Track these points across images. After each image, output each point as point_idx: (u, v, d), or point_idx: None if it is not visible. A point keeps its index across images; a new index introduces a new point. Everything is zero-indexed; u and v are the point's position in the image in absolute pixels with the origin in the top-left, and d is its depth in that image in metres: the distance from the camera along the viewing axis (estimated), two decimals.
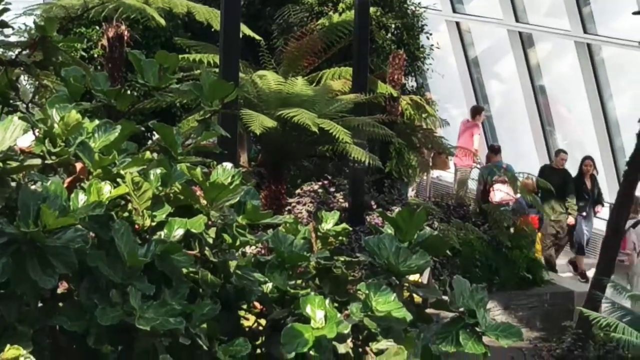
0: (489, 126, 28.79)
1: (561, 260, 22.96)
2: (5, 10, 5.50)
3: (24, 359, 4.15)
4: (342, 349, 4.85)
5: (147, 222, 4.81)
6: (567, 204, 21.84)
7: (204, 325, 4.67)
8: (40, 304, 4.62)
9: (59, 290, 4.73)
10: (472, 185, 23.56)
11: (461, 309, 5.16)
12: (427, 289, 5.52)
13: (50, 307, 4.62)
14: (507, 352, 13.53)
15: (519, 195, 21.11)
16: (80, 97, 5.38)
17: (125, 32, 18.09)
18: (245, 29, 17.90)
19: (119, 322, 4.36)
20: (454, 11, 28.66)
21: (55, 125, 4.84)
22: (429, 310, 5.45)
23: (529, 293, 18.61)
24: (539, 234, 20.97)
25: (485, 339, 5.10)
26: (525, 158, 26.45)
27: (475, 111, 26.09)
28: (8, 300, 4.42)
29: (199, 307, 4.67)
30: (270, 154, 18.80)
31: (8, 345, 4.15)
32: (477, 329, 5.10)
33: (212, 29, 18.47)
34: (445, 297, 5.32)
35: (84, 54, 19.93)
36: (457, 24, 29.04)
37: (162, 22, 18.35)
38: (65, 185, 4.70)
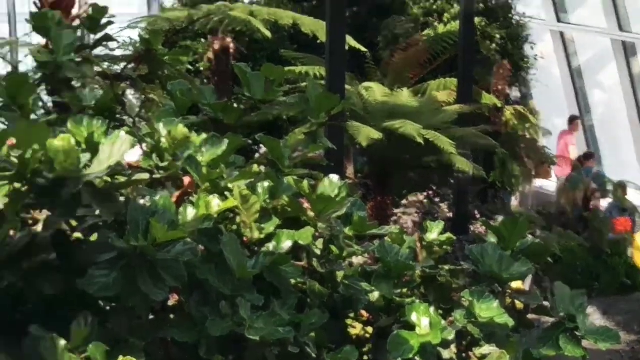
0: (591, 135, 28.36)
1: None
2: (110, 23, 5.58)
3: None
4: (446, 354, 4.93)
5: (256, 235, 4.84)
6: None
7: (313, 334, 4.71)
8: (151, 317, 4.68)
9: (170, 303, 4.78)
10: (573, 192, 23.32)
11: (561, 314, 5.18)
12: (529, 296, 5.54)
13: (162, 319, 4.67)
14: (605, 355, 13.40)
15: (611, 200, 20.82)
16: (187, 110, 5.43)
17: (231, 45, 18.25)
18: (350, 41, 17.91)
19: (229, 333, 4.40)
20: (559, 21, 28.28)
21: (163, 140, 4.89)
22: (530, 316, 5.51)
23: (628, 298, 18.32)
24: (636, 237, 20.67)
25: (584, 342, 5.15)
26: (628, 167, 25.98)
27: (571, 120, 25.88)
28: (120, 314, 4.48)
29: (307, 316, 4.70)
30: (376, 165, 18.83)
31: (121, 357, 4.21)
32: (577, 333, 5.13)
33: (318, 41, 18.51)
34: (546, 303, 5.35)
35: (190, 67, 20.15)
36: (561, 33, 28.67)
37: (268, 34, 18.44)
38: (173, 199, 4.75)
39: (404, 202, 19.45)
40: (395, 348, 4.78)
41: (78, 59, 5.38)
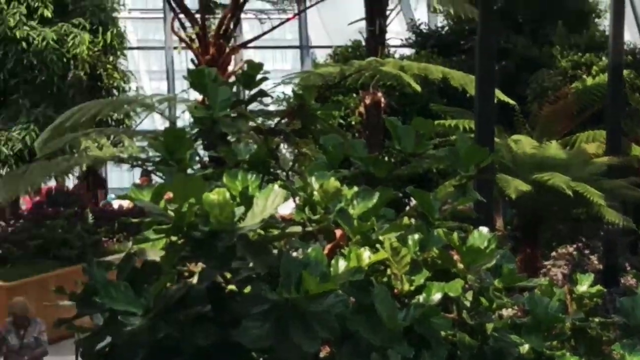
0: None
1: None
2: (264, 79, 5.69)
3: None
4: None
5: (406, 287, 4.85)
6: None
7: None
8: None
9: (322, 354, 4.81)
10: None
11: None
12: None
13: None
14: None
15: None
16: (339, 164, 5.50)
17: (382, 99, 18.39)
18: (499, 94, 17.85)
19: None
20: None
21: (315, 193, 4.96)
22: None
23: None
24: None
25: None
26: None
27: None
28: None
29: None
30: (525, 217, 18.66)
31: None
32: None
33: (467, 94, 18.49)
34: None
35: (341, 121, 20.37)
36: None
37: (418, 88, 18.51)
38: (325, 251, 4.80)
39: (553, 254, 19.22)
40: None
41: (233, 114, 5.50)
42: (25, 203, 22.16)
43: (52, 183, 21.62)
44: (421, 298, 4.79)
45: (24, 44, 20.40)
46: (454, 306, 4.98)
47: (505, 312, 7.76)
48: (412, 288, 4.85)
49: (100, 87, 21.07)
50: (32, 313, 11.59)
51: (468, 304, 5.00)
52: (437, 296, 4.80)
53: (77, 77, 20.34)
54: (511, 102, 19.34)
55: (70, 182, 23.29)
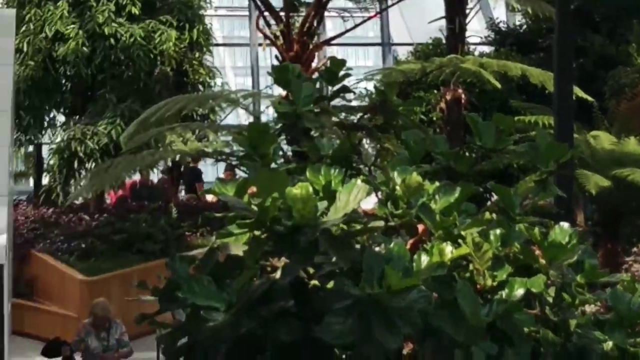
0: None
1: None
2: (347, 75, 5.71)
3: None
4: None
5: (489, 282, 4.83)
6: None
7: None
8: None
9: (404, 351, 4.81)
10: None
11: None
12: None
13: None
14: None
15: None
16: (420, 159, 5.50)
17: (463, 96, 18.35)
18: (578, 91, 17.70)
19: None
20: None
21: (397, 188, 4.97)
22: None
23: None
24: None
25: None
26: None
27: None
28: None
29: None
30: (605, 213, 18.49)
31: None
32: None
33: (546, 91, 18.37)
34: None
35: (423, 117, 20.37)
36: None
37: (498, 85, 18.44)
38: (408, 246, 4.80)
39: (634, 249, 18.99)
40: None
41: (316, 110, 5.53)
42: (109, 197, 22.43)
43: (137, 177, 21.87)
44: (504, 294, 4.77)
45: (112, 40, 20.66)
46: (537, 302, 4.95)
47: (588, 308, 7.68)
48: (495, 283, 4.83)
49: (186, 83, 21.24)
50: (113, 314, 11.29)
51: (550, 300, 4.97)
52: (519, 292, 4.77)
53: (163, 73, 20.52)
54: (589, 98, 19.18)
55: (155, 177, 23.52)
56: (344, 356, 4.65)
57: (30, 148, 23.22)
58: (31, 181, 25.32)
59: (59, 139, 20.50)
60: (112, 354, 10.70)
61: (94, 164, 19.16)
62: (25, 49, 20.52)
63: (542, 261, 4.97)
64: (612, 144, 18.05)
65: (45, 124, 21.58)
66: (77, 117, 21.11)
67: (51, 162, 20.34)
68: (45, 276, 17.67)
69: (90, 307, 11.08)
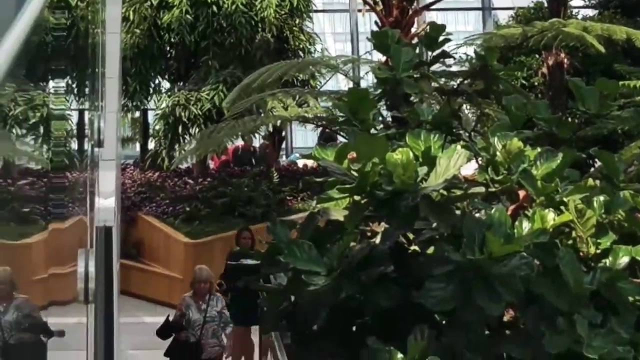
0: None
1: None
2: (447, 40, 5.67)
3: None
4: None
5: (592, 250, 4.76)
6: None
7: None
8: (486, 332, 4.68)
9: (505, 318, 4.77)
10: None
11: None
12: None
13: (497, 334, 4.67)
14: None
15: None
16: (522, 125, 5.43)
17: (565, 60, 18.05)
18: None
19: (566, 351, 4.34)
20: None
21: (498, 153, 4.91)
22: None
23: None
24: None
25: None
26: None
27: None
28: (456, 328, 4.51)
29: None
30: None
31: None
32: None
33: None
34: None
35: (524, 82, 20.09)
36: None
37: (602, 49, 18.09)
38: (509, 212, 4.75)
39: None
40: None
41: (416, 75, 5.49)
42: (212, 162, 22.66)
43: (239, 142, 22.04)
44: (607, 262, 4.70)
45: (214, 7, 20.80)
46: None
47: None
48: (598, 251, 4.75)
49: (286, 49, 21.32)
50: (214, 288, 11.03)
51: None
52: (624, 260, 4.69)
53: (264, 39, 20.60)
54: None
55: (257, 142, 23.70)
56: (443, 322, 4.63)
57: (137, 114, 23.55)
58: (137, 146, 25.69)
59: (163, 105, 20.75)
60: (212, 325, 10.46)
61: (197, 130, 19.34)
62: (131, 17, 20.79)
63: None
64: None
65: (151, 90, 21.87)
66: (181, 83, 21.37)
67: (156, 127, 20.63)
68: (151, 238, 18.00)
69: (193, 273, 10.97)
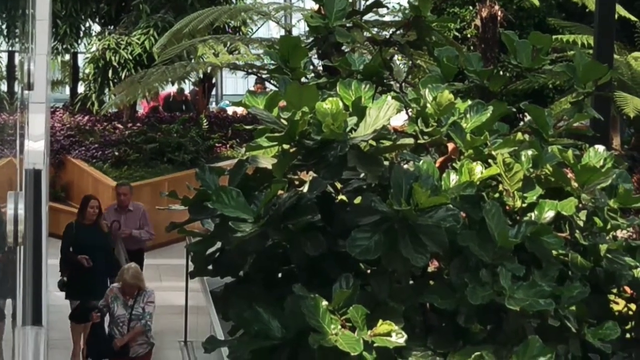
0: None
1: None
2: None
3: (395, 335, 4.26)
4: None
5: (518, 204, 4.79)
6: None
7: (573, 308, 4.62)
8: (410, 282, 4.72)
9: (429, 269, 4.81)
10: None
11: None
12: None
13: (421, 284, 4.71)
14: None
15: None
16: (453, 77, 5.43)
17: (499, 12, 18.09)
18: (620, 10, 17.38)
19: (488, 302, 4.39)
20: None
21: (428, 105, 4.91)
22: None
23: None
24: None
25: None
26: None
27: None
28: (380, 277, 4.55)
29: (568, 289, 4.62)
30: None
31: (380, 321, 4.27)
32: None
33: (587, 10, 18.07)
34: None
35: (457, 34, 20.09)
36: None
37: (536, 2, 18.19)
38: (437, 164, 4.77)
39: None
40: None
41: (349, 24, 5.46)
42: (142, 107, 22.48)
43: (172, 89, 21.90)
44: (533, 215, 4.74)
45: None
46: (567, 226, 4.91)
47: (620, 234, 7.64)
48: (524, 205, 4.79)
49: None
50: (144, 284, 10.28)
51: (581, 223, 4.92)
52: (549, 214, 4.74)
53: None
54: (633, 18, 18.84)
55: (187, 88, 23.54)
56: (368, 271, 4.65)
57: (67, 57, 23.26)
58: (67, 89, 25.44)
59: (94, 49, 20.48)
60: (136, 323, 9.96)
61: (127, 74, 19.15)
62: None
63: (575, 184, 4.92)
64: None
65: (81, 33, 21.60)
66: (112, 27, 21.11)
67: (86, 71, 20.41)
68: (80, 182, 17.95)
69: (119, 272, 10.40)
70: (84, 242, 11.20)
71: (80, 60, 22.27)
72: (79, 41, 21.82)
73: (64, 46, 21.38)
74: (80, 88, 21.98)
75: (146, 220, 12.44)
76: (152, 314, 9.93)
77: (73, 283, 11.23)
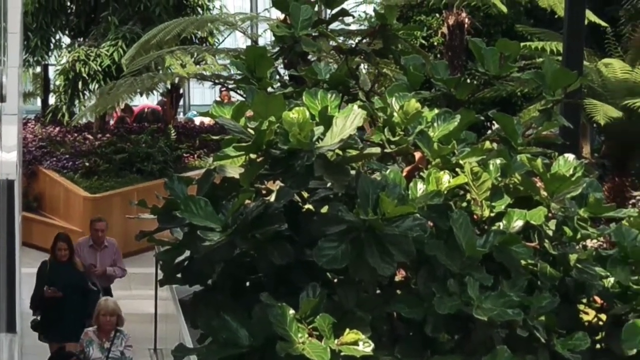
0: None
1: None
2: None
3: (363, 344, 4.24)
4: None
5: (486, 213, 4.78)
6: None
7: (542, 318, 4.62)
8: (378, 291, 4.71)
9: (397, 278, 4.79)
10: None
11: None
12: None
13: (388, 294, 4.70)
14: None
15: None
16: (420, 85, 5.42)
17: (466, 20, 18.14)
18: (590, 16, 17.42)
19: (456, 312, 4.38)
20: None
21: (395, 114, 4.90)
22: None
23: None
24: None
25: None
26: None
27: None
28: (347, 286, 4.54)
29: (537, 299, 4.61)
30: (614, 145, 18.28)
31: (347, 330, 4.26)
32: None
33: (556, 16, 18.12)
34: None
35: (423, 42, 20.13)
36: None
37: (504, 9, 18.23)
38: (404, 174, 4.76)
39: None
40: (631, 337, 4.64)
41: (314, 33, 5.45)
42: (113, 118, 22.51)
43: (150, 103, 22.08)
44: (501, 225, 4.73)
45: None
46: (536, 235, 4.89)
47: (590, 243, 7.64)
48: (492, 214, 4.78)
49: (185, 6, 21.10)
50: (122, 321, 9.96)
51: (551, 233, 4.91)
52: (518, 223, 4.73)
53: None
54: (603, 24, 18.90)
55: (155, 99, 23.59)
56: (335, 280, 4.64)
57: (38, 69, 23.31)
58: (39, 101, 25.49)
59: (64, 60, 20.51)
60: None
61: (97, 85, 19.17)
62: None
63: (544, 193, 4.91)
64: (625, 73, 17.69)
65: (52, 45, 21.64)
66: (82, 39, 21.14)
67: (57, 82, 20.45)
68: (52, 192, 18.33)
69: (97, 306, 10.01)
70: (58, 280, 10.95)
71: (51, 72, 22.28)
72: (50, 53, 21.88)
73: (35, 58, 21.42)
74: (51, 100, 21.99)
75: (119, 257, 12.24)
76: (132, 359, 9.72)
77: (46, 322, 11.04)
